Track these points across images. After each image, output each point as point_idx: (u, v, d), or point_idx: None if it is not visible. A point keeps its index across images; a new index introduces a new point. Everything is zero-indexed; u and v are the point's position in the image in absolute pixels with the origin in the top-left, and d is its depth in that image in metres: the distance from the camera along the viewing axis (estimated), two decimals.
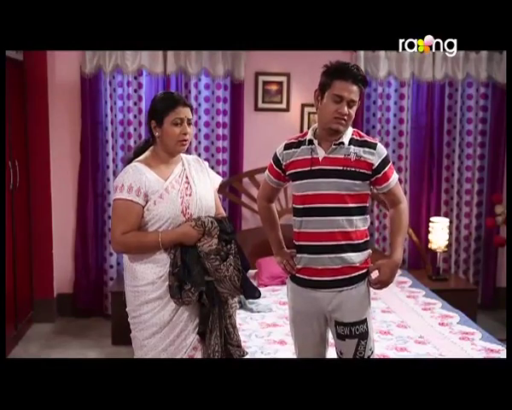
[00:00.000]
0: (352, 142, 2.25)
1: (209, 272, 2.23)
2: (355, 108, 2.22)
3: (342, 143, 2.24)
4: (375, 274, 2.30)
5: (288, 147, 2.34)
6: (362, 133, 2.31)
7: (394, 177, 2.30)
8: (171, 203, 2.24)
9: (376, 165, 2.23)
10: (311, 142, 2.28)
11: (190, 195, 2.30)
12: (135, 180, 2.21)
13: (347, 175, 2.21)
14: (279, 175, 2.39)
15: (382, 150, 2.27)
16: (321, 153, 2.25)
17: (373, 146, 2.25)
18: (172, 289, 2.20)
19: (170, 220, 2.24)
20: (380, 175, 2.25)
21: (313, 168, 2.24)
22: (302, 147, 2.30)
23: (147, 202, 2.23)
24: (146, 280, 2.23)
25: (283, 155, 2.34)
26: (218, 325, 2.27)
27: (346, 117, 2.19)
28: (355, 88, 2.19)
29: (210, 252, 2.22)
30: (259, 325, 3.52)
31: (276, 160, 2.38)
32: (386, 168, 2.26)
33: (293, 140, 2.35)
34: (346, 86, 2.18)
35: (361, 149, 2.24)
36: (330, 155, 2.24)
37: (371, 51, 4.66)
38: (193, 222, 2.24)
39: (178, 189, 2.28)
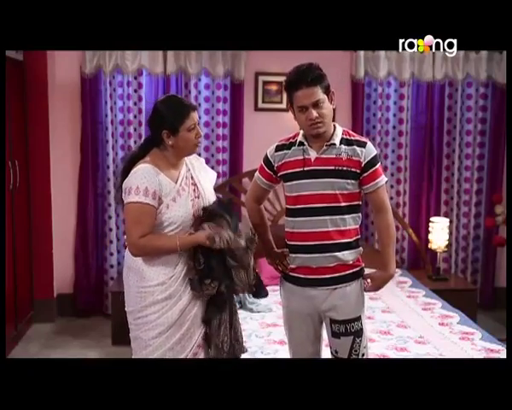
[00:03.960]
0: (342, 141, 2.26)
1: (235, 259, 2.25)
2: (326, 104, 2.21)
3: (333, 143, 2.25)
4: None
5: (279, 148, 2.34)
6: (351, 132, 2.32)
7: (381, 179, 2.29)
8: (184, 206, 2.25)
9: (364, 163, 2.24)
10: (301, 143, 2.29)
11: (198, 197, 2.32)
12: (150, 183, 2.19)
13: (340, 174, 2.23)
14: (270, 177, 2.39)
15: (371, 150, 2.27)
16: (313, 154, 2.26)
17: (362, 144, 2.26)
18: (193, 282, 2.23)
19: (182, 224, 2.25)
20: (366, 174, 2.25)
21: (306, 169, 2.25)
22: (293, 148, 2.30)
23: (159, 205, 2.22)
24: (156, 281, 2.23)
25: (275, 156, 2.34)
26: (229, 317, 2.30)
27: (318, 119, 2.19)
28: (312, 90, 2.18)
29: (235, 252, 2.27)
30: (259, 325, 3.52)
31: (267, 161, 2.37)
32: (374, 168, 2.26)
33: (283, 142, 2.35)
34: (303, 94, 2.18)
35: (351, 147, 2.25)
36: (322, 156, 2.25)
37: (371, 51, 4.66)
38: (217, 237, 2.20)
39: (188, 191, 2.29)
